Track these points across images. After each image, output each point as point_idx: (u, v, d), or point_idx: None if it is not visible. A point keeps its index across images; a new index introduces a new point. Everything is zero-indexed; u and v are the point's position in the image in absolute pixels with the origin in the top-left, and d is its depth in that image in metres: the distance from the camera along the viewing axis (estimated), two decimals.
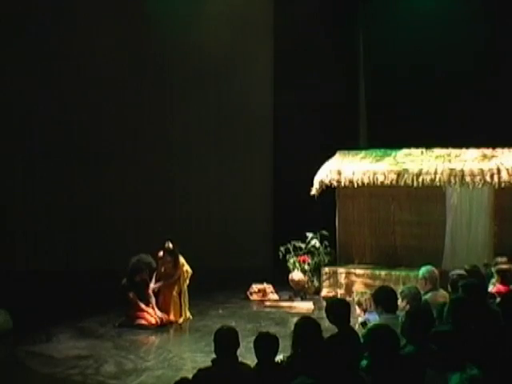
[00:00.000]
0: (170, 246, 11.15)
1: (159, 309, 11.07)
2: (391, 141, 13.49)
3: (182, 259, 11.30)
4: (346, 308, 6.81)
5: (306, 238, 13.28)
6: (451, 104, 14.18)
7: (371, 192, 12.92)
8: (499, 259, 9.74)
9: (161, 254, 11.25)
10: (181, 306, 11.28)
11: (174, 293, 11.25)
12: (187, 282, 11.35)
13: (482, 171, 11.75)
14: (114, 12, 15.65)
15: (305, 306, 12.24)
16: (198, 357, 9.09)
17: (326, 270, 12.91)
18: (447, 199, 12.48)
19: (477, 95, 14.09)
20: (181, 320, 11.22)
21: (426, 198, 12.56)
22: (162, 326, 10.87)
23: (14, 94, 15.46)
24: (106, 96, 15.77)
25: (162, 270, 11.23)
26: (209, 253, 15.10)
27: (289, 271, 13.11)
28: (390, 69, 14.91)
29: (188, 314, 11.36)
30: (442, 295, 8.44)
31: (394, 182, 12.30)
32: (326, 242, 13.24)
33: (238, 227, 16.13)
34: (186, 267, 11.33)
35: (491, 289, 8.82)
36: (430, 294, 8.45)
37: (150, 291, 11.06)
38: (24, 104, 15.53)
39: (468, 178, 11.80)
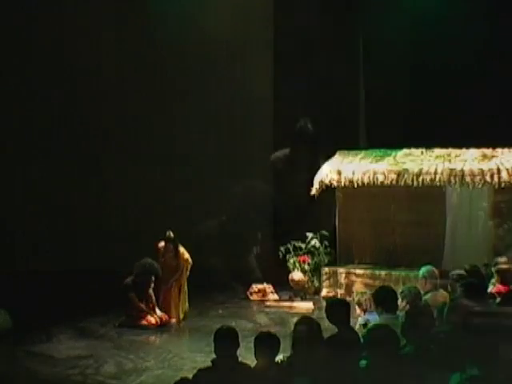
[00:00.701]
0: (171, 234, 11.17)
1: (159, 308, 11.08)
2: (391, 141, 13.49)
3: (181, 248, 11.31)
4: (346, 308, 6.81)
5: (306, 237, 13.27)
6: (451, 104, 14.16)
7: (371, 192, 12.90)
8: (499, 259, 9.74)
9: (161, 244, 11.28)
10: (180, 303, 11.29)
11: (174, 291, 11.24)
12: (187, 273, 11.33)
13: (481, 171, 11.75)
14: (114, 12, 15.65)
15: (305, 306, 12.23)
16: (198, 357, 9.09)
17: (326, 269, 12.90)
18: (447, 199, 12.48)
19: (477, 95, 14.08)
20: (181, 317, 11.20)
21: (426, 198, 12.55)
22: (161, 326, 10.88)
23: (14, 94, 15.46)
24: (106, 95, 15.77)
25: (163, 260, 11.24)
26: (209, 253, 15.08)
27: (289, 271, 13.10)
28: (389, 69, 14.90)
29: (187, 305, 11.31)
30: (442, 295, 8.45)
31: (393, 181, 12.31)
32: (326, 242, 13.24)
33: (238, 227, 16.11)
34: (187, 256, 11.31)
35: (491, 289, 8.83)
36: (429, 294, 8.46)
37: (151, 291, 11.07)
38: (24, 103, 15.52)
39: (468, 178, 11.81)
